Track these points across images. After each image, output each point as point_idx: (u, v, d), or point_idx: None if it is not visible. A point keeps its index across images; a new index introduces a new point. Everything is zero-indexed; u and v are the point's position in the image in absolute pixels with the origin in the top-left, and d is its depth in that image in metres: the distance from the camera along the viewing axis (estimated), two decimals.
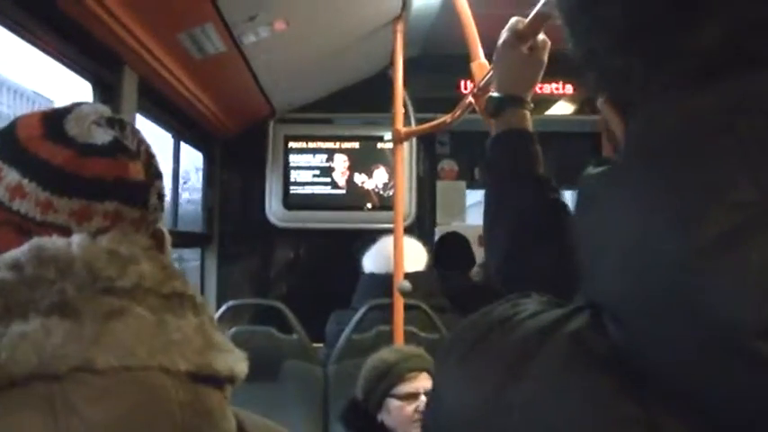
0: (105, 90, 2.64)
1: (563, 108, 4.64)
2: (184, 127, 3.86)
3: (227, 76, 3.41)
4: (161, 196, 0.92)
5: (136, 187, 0.89)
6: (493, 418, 0.54)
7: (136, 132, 0.92)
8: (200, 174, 4.77)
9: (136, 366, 0.77)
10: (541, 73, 1.43)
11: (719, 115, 0.48)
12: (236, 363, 0.88)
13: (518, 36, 1.41)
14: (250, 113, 4.35)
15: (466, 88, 4.31)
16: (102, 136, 0.88)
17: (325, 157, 4.70)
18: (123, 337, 0.77)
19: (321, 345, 3.83)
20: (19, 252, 0.78)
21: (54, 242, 0.80)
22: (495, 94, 1.43)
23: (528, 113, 1.40)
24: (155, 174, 0.92)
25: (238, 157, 4.79)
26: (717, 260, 0.44)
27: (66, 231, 0.83)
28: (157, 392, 0.77)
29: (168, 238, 0.93)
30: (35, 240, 0.80)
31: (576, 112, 4.63)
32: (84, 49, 2.44)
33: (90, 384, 0.74)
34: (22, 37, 2.17)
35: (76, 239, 0.81)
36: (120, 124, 0.91)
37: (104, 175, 0.86)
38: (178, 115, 3.59)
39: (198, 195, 4.84)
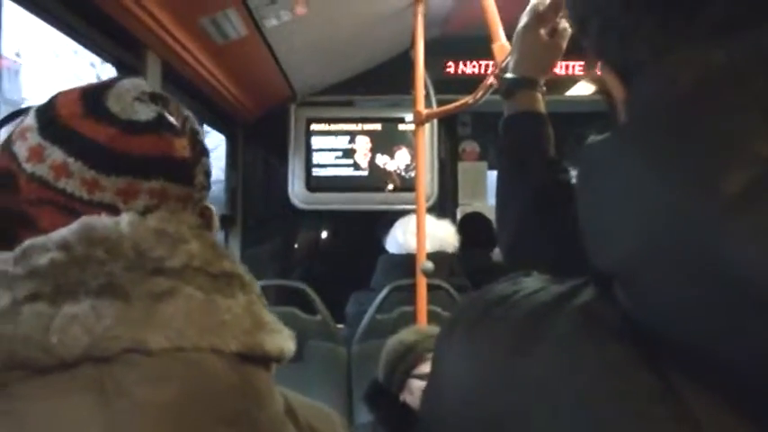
0: (129, 74, 2.64)
1: (584, 88, 4.62)
2: (207, 110, 3.88)
3: (249, 60, 3.43)
4: (207, 174, 0.90)
5: (182, 164, 0.86)
6: (503, 394, 0.53)
7: (180, 108, 0.90)
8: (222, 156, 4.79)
9: (187, 348, 0.76)
10: (558, 59, 1.44)
11: (735, 70, 0.47)
12: (285, 342, 0.87)
13: (538, 19, 1.42)
14: (272, 97, 4.37)
15: (487, 70, 4.31)
16: (146, 112, 0.85)
17: (347, 139, 4.70)
18: (174, 318, 0.76)
19: (343, 326, 3.85)
20: (67, 231, 0.76)
21: (102, 221, 0.78)
22: (508, 76, 1.44)
23: (540, 96, 1.41)
24: (201, 150, 0.89)
25: (261, 139, 4.81)
26: (739, 216, 0.42)
27: (113, 210, 0.81)
28: (209, 374, 0.76)
29: (216, 217, 0.91)
30: (84, 219, 0.77)
31: (597, 92, 4.61)
32: (108, 33, 2.46)
33: (142, 366, 0.73)
34: (46, 20, 2.19)
35: (125, 219, 0.79)
36: (164, 100, 0.89)
37: (150, 153, 0.84)
38: (201, 99, 3.61)
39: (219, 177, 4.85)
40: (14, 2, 2.03)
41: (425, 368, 2.35)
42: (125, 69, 2.63)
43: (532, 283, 0.60)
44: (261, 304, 0.87)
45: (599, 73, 0.64)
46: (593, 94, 4.58)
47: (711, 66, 0.48)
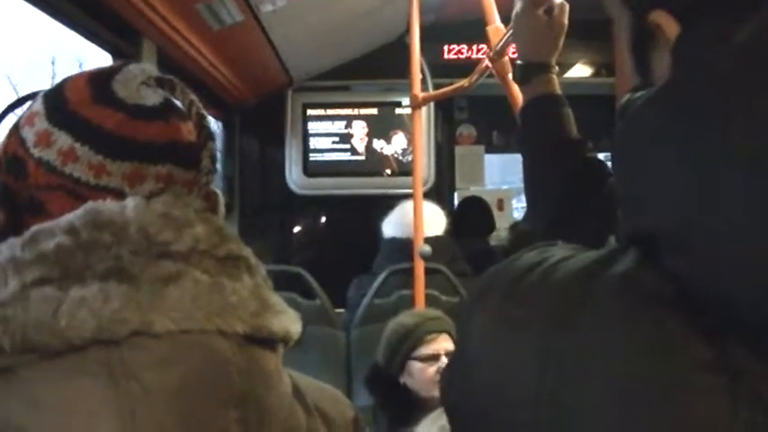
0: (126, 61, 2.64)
1: (579, 71, 4.61)
2: (203, 97, 3.84)
3: (245, 45, 3.42)
4: (213, 157, 0.88)
5: (188, 149, 0.87)
6: (540, 373, 0.49)
7: (186, 92, 0.89)
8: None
9: (194, 330, 0.76)
10: (563, 36, 1.43)
11: None
12: (291, 323, 0.87)
13: (532, 0, 1.41)
14: (268, 83, 4.36)
15: (482, 53, 4.30)
16: (153, 97, 0.86)
17: (343, 123, 4.71)
18: (180, 301, 0.76)
19: (343, 310, 3.85)
20: (73, 216, 0.76)
21: (108, 206, 0.78)
22: (519, 62, 1.43)
23: (554, 77, 1.41)
24: (207, 135, 0.88)
25: (257, 126, 4.80)
26: None
27: (119, 195, 0.81)
28: (216, 356, 0.77)
29: (222, 200, 0.91)
30: (90, 204, 0.78)
31: (593, 75, 4.61)
32: (103, 20, 2.46)
33: (149, 349, 0.73)
34: (40, 8, 2.19)
35: (131, 203, 0.79)
36: (170, 84, 0.88)
37: (157, 138, 0.84)
38: (197, 85, 3.59)
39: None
40: None
41: (425, 350, 2.38)
42: (121, 57, 2.62)
43: (560, 251, 0.56)
44: (267, 286, 0.87)
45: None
46: (590, 77, 4.58)
47: None
